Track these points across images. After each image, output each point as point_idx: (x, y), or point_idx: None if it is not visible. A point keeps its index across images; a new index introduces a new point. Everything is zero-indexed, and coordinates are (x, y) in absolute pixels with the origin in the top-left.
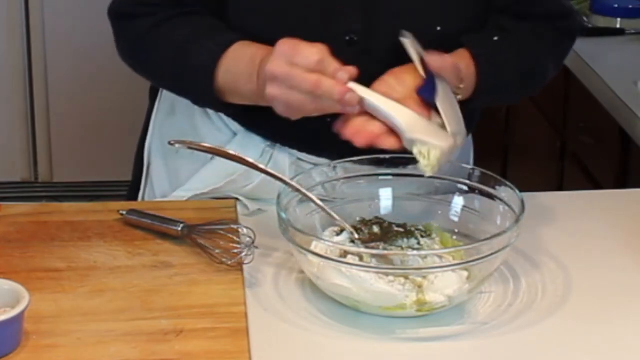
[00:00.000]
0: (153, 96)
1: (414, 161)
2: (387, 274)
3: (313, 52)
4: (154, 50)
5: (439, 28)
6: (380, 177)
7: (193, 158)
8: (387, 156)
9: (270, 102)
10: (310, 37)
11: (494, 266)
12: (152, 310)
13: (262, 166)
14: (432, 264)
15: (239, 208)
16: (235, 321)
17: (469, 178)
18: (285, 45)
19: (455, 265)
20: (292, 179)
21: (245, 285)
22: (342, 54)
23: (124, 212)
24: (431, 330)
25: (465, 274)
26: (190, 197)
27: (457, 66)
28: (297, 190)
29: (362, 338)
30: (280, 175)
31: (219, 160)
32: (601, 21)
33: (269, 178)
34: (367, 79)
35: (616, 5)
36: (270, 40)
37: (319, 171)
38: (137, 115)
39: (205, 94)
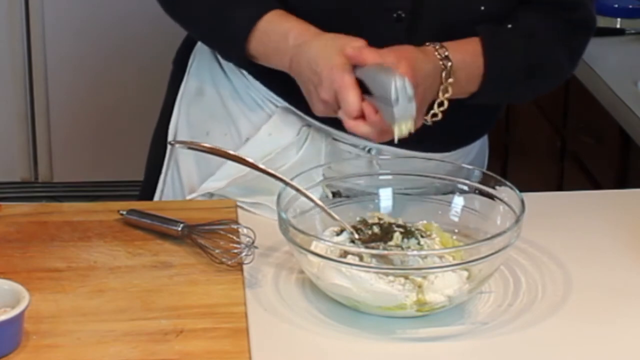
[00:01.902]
0: (175, 80)
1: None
2: (387, 274)
3: (352, 102)
4: (192, 8)
5: (482, 8)
6: (380, 177)
7: (228, 141)
8: (388, 157)
9: (310, 102)
10: (359, 11)
11: (494, 266)
12: (152, 310)
13: (262, 166)
14: (432, 264)
15: (268, 213)
16: (235, 321)
17: (469, 178)
18: (337, 80)
19: (455, 265)
20: (292, 179)
21: (245, 285)
22: (389, 30)
23: (124, 212)
24: (431, 330)
25: (465, 274)
26: (226, 185)
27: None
28: (297, 190)
29: (362, 338)
30: (280, 176)
31: (254, 142)
32: (601, 21)
33: (307, 154)
34: None
35: (616, 5)
36: (319, 13)
37: (319, 171)
38: (138, 115)
39: (237, 58)
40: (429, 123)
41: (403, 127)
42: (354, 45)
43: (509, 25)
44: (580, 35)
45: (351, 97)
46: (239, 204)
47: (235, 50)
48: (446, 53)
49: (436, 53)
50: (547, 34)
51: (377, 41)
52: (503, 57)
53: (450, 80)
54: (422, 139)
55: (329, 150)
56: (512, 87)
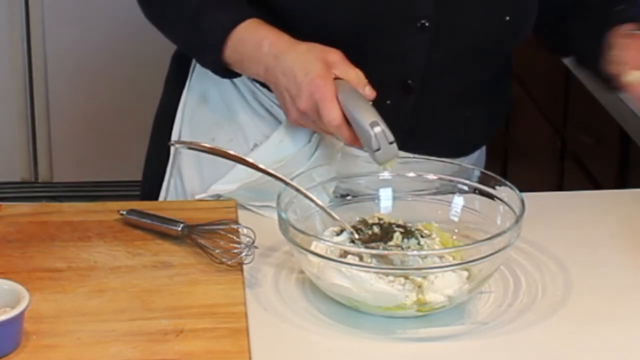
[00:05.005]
0: (175, 86)
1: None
2: (387, 274)
3: (335, 117)
4: (173, 16)
5: (507, 18)
6: (380, 177)
7: (234, 147)
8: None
9: (286, 113)
10: (382, 20)
11: (494, 266)
12: (152, 310)
13: (262, 166)
14: (432, 264)
15: (267, 213)
16: (235, 321)
17: (469, 178)
18: (318, 91)
19: (455, 265)
20: (292, 179)
21: (245, 285)
22: (413, 39)
23: (124, 212)
24: (431, 330)
25: (465, 274)
26: (237, 188)
27: None
28: (297, 190)
29: (362, 338)
30: (280, 176)
31: (264, 148)
32: None
33: (318, 160)
34: (435, 66)
35: None
36: (341, 21)
37: (319, 171)
38: (138, 115)
39: (213, 67)
40: None
41: (387, 166)
42: (334, 59)
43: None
44: None
45: (334, 112)
46: (247, 206)
47: (210, 57)
48: None
49: None
50: None
51: (400, 50)
52: None
53: None
54: (435, 149)
55: (341, 156)
56: None
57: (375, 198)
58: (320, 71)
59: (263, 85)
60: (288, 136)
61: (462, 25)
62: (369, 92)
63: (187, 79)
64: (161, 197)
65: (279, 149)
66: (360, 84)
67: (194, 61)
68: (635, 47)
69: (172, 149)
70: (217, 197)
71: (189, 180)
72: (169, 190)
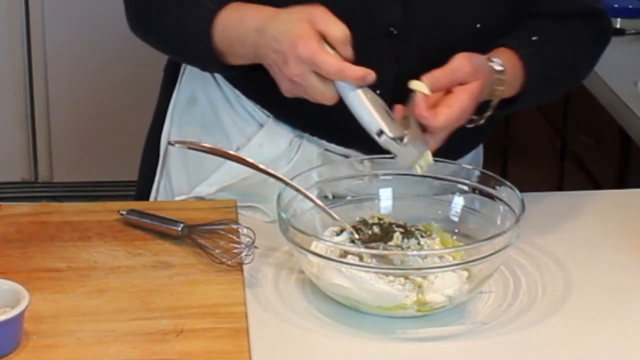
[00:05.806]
0: (167, 88)
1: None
2: (387, 274)
3: (332, 63)
4: (160, 15)
5: (478, 25)
6: (381, 177)
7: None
8: (388, 156)
9: (279, 76)
10: (349, 27)
11: (494, 266)
12: (152, 310)
13: (262, 166)
14: (432, 264)
15: (259, 215)
16: (235, 321)
17: (469, 178)
18: (304, 50)
19: (455, 265)
20: (292, 179)
21: (245, 285)
22: (381, 46)
23: (124, 212)
24: (431, 330)
25: (465, 274)
26: (216, 191)
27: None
28: (297, 190)
29: (362, 338)
30: (280, 176)
31: (245, 152)
32: None
33: (298, 164)
34: (404, 73)
35: (616, 5)
36: None
37: (318, 171)
38: (138, 115)
39: (207, 59)
40: (482, 121)
41: (422, 164)
42: (316, 15)
43: (534, 38)
44: (602, 44)
45: (328, 58)
46: None
47: (203, 49)
48: (499, 65)
49: (490, 64)
50: (571, 43)
51: (367, 57)
52: (540, 69)
53: (501, 88)
54: None
55: (320, 161)
56: (542, 97)
57: (375, 198)
58: (301, 32)
59: (244, 94)
60: (268, 140)
61: (431, 32)
62: (349, 54)
63: (177, 82)
64: (151, 198)
65: (259, 152)
66: (344, 42)
67: (184, 64)
68: (459, 68)
69: (162, 149)
70: (200, 199)
71: (177, 181)
72: (159, 191)
